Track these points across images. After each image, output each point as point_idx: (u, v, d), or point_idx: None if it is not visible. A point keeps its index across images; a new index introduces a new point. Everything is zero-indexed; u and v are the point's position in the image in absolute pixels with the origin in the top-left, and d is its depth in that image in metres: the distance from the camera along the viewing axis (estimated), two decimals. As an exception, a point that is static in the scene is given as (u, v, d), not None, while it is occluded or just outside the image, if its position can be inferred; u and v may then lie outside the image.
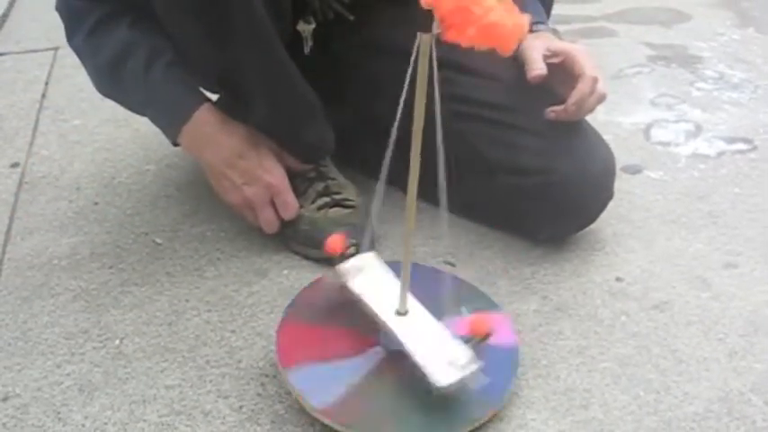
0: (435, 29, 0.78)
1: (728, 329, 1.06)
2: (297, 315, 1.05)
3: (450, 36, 0.76)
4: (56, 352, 1.09)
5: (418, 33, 0.80)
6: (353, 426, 0.91)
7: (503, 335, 1.00)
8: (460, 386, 0.90)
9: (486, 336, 0.93)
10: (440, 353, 0.93)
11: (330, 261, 1.20)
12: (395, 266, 1.02)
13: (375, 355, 0.98)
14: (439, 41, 0.79)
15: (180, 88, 1.21)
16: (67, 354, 1.09)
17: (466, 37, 0.75)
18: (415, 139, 0.87)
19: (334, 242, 1.02)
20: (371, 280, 1.02)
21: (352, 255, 1.06)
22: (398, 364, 0.96)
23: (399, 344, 0.95)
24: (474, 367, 0.91)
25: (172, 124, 1.24)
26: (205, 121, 1.22)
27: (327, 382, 0.95)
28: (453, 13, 0.74)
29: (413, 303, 0.99)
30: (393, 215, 1.25)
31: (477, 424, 0.92)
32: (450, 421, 0.92)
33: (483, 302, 1.07)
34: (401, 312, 0.98)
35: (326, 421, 0.92)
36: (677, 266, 1.18)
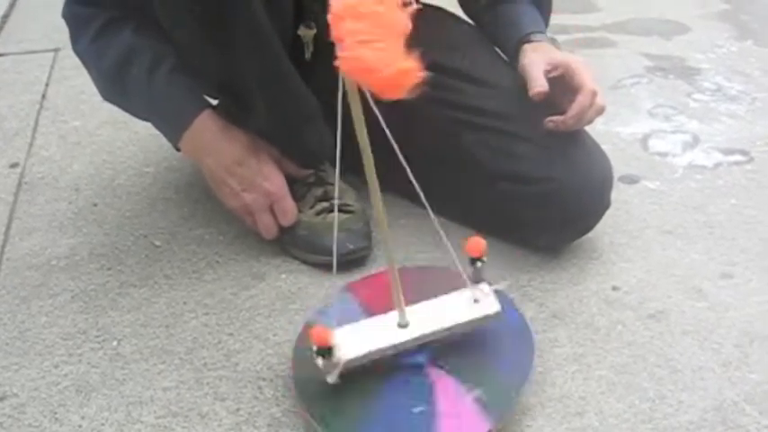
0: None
1: (724, 339, 1.07)
2: None
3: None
4: (53, 352, 1.09)
5: None
6: None
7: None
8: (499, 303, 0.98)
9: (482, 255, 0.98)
10: (463, 304, 0.98)
11: (327, 266, 1.21)
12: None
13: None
14: None
15: (181, 95, 1.22)
16: (65, 354, 1.09)
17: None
18: (360, 136, 0.89)
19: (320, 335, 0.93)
20: (359, 337, 0.97)
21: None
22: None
23: (422, 340, 0.97)
24: (490, 289, 0.98)
25: (173, 130, 1.25)
26: (206, 128, 1.22)
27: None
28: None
29: (409, 309, 0.98)
30: (390, 219, 1.25)
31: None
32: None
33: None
34: (402, 325, 0.97)
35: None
36: (673, 276, 1.19)
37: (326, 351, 0.92)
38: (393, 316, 0.98)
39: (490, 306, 0.98)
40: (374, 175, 0.90)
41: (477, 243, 0.99)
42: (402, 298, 0.97)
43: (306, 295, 1.17)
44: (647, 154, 1.51)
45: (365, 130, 0.88)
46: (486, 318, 0.98)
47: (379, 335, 0.97)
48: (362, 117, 0.87)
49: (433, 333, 0.97)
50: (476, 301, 0.98)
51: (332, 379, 0.93)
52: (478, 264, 0.98)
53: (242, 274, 1.23)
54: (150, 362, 1.07)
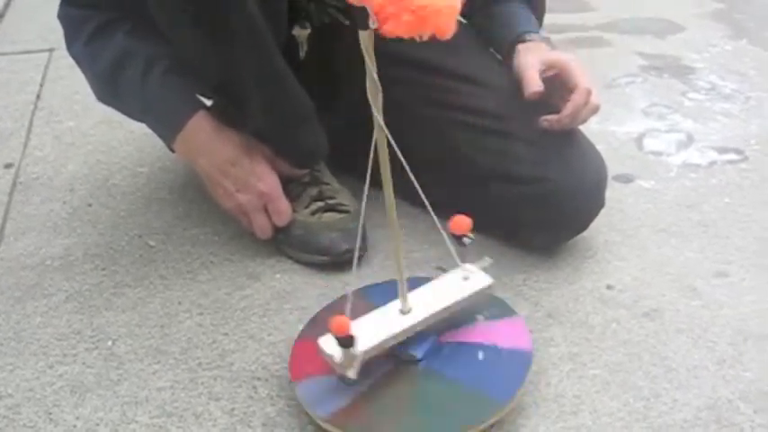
0: (372, 24, 0.78)
1: (718, 338, 1.07)
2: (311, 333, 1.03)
3: (388, 28, 0.77)
4: (48, 353, 1.09)
5: (359, 32, 0.81)
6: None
7: (517, 339, 1.02)
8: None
9: (467, 232, 0.97)
10: (456, 284, 1.01)
11: (322, 266, 1.21)
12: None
13: (382, 365, 0.98)
14: (381, 37, 0.79)
15: (175, 96, 1.22)
16: (60, 355, 1.09)
17: (403, 25, 0.76)
18: (378, 136, 0.90)
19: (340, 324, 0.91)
20: (369, 328, 0.97)
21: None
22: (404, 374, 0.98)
23: (427, 322, 0.98)
24: (479, 266, 1.03)
25: (167, 131, 1.25)
26: (199, 129, 1.22)
27: (333, 393, 0.95)
28: (385, 5, 0.76)
29: (412, 299, 0.99)
30: (386, 219, 1.25)
31: (483, 425, 0.92)
32: (453, 424, 0.92)
33: (500, 309, 1.07)
34: (405, 312, 0.98)
35: (330, 429, 0.93)
36: (668, 275, 1.19)
37: (347, 341, 0.89)
38: (393, 305, 0.99)
39: (482, 280, 1.02)
40: (391, 189, 0.94)
41: (461, 220, 0.99)
42: (405, 285, 0.98)
43: (300, 295, 1.17)
44: (641, 153, 1.52)
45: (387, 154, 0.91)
46: (482, 291, 1.02)
47: (386, 323, 0.97)
48: (386, 147, 0.90)
49: (435, 315, 0.99)
50: (465, 279, 1.02)
51: (353, 374, 0.92)
52: (465, 240, 0.99)
53: (237, 273, 1.22)
54: (145, 362, 1.07)
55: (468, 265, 1.03)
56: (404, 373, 0.98)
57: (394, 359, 0.98)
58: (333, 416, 0.93)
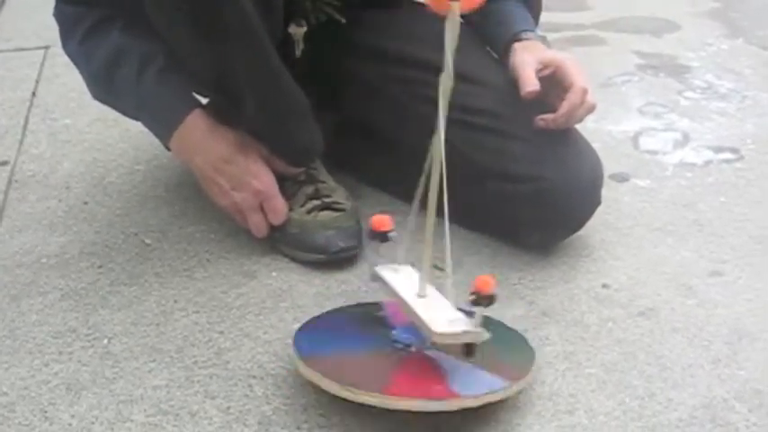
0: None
1: (713, 337, 1.07)
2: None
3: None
4: (44, 351, 1.09)
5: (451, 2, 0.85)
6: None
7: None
8: (457, 340, 0.92)
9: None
10: (443, 314, 0.95)
11: (318, 264, 1.21)
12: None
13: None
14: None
15: (171, 94, 1.22)
16: (55, 353, 1.09)
17: None
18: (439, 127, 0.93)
19: (381, 221, 1.00)
20: (403, 278, 1.01)
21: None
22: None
23: (413, 312, 0.96)
24: (473, 327, 0.91)
25: (163, 129, 1.25)
26: (195, 127, 1.22)
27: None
28: None
29: (433, 292, 0.99)
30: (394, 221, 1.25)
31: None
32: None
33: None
34: (421, 296, 0.98)
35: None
36: (663, 274, 1.19)
37: (382, 235, 0.97)
38: (416, 283, 0.99)
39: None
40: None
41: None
42: (430, 271, 0.98)
43: (296, 293, 1.17)
44: (637, 152, 1.52)
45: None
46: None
47: (405, 287, 0.99)
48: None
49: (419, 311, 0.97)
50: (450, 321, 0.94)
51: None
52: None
53: (233, 272, 1.22)
54: (141, 360, 1.07)
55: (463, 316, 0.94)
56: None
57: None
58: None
